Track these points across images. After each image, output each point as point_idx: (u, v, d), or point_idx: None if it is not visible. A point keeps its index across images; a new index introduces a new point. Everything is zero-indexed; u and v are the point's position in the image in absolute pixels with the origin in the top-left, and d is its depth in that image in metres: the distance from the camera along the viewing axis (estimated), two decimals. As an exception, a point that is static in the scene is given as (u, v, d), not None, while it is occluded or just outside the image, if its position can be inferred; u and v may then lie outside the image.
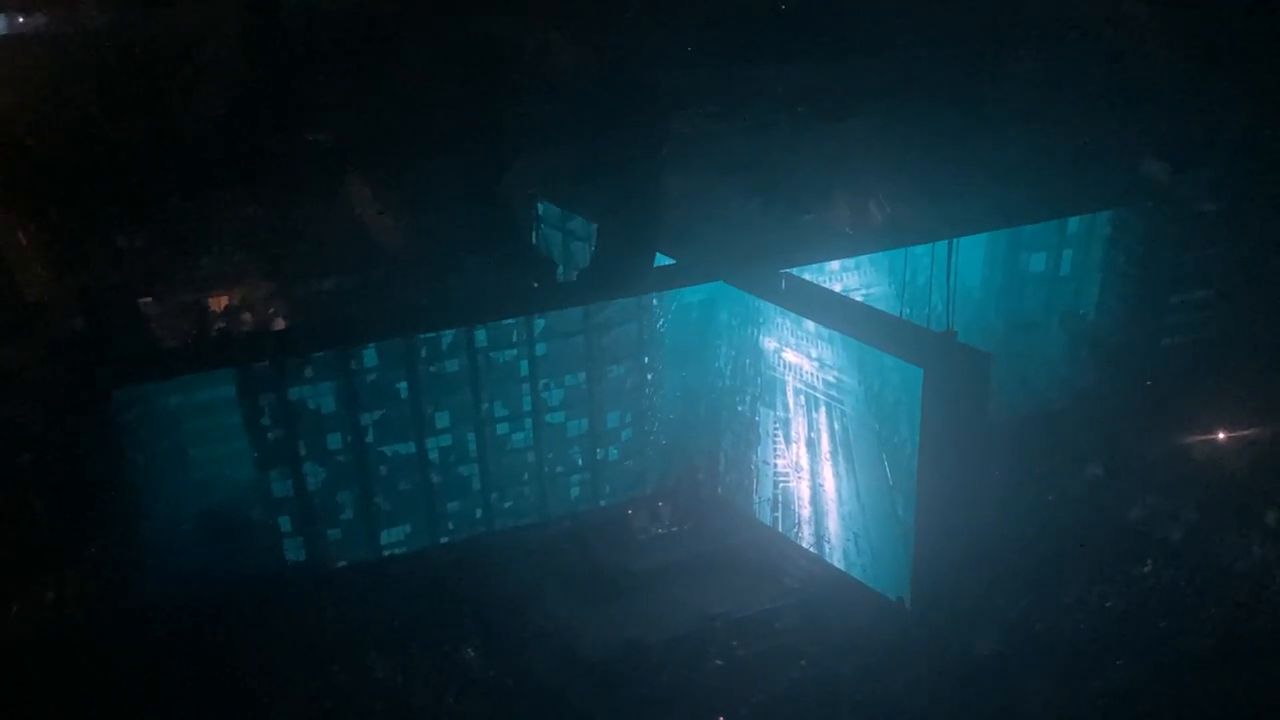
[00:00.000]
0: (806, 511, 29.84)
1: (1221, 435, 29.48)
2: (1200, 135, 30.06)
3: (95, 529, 25.34)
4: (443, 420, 29.26)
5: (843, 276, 31.03)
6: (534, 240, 31.28)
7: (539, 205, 31.31)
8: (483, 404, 29.49)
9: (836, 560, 29.03)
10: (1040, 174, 30.38)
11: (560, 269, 31.11)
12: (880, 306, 30.71)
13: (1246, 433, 29.33)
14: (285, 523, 28.48)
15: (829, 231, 28.44)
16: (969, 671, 24.25)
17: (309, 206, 27.48)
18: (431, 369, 28.55)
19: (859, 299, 30.30)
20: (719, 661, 25.60)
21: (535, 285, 29.69)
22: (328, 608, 27.49)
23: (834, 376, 28.05)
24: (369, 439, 28.67)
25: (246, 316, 28.03)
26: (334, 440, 28.35)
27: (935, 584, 25.55)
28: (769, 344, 29.79)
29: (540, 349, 29.43)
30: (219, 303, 27.69)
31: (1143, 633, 24.84)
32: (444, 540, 30.22)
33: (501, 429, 29.97)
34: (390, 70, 26.71)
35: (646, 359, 31.07)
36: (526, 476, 30.59)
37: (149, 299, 26.94)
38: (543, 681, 25.22)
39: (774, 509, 30.64)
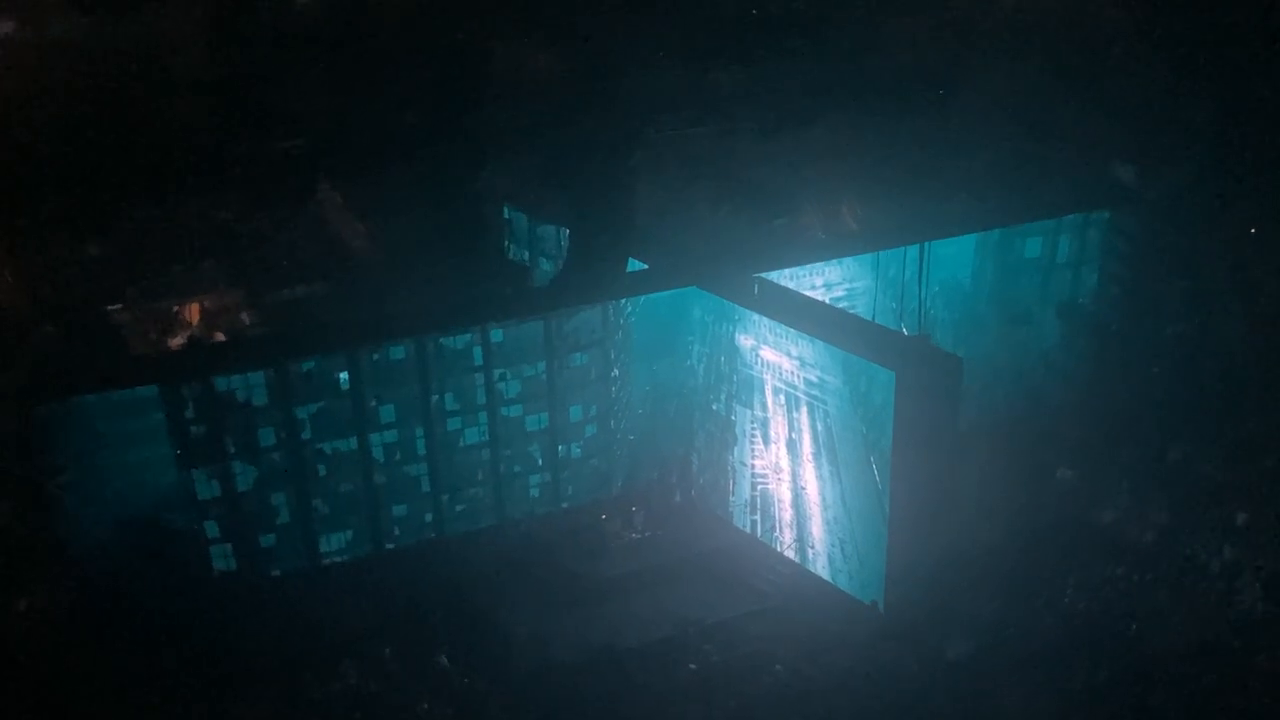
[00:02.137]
0: (788, 515, 28.85)
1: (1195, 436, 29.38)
2: (1173, 138, 30.21)
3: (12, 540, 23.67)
4: (388, 414, 27.32)
5: (824, 271, 30.36)
6: (506, 246, 30.05)
7: (511, 211, 30.01)
8: (432, 396, 27.48)
9: (821, 567, 27.98)
10: (1012, 178, 30.29)
11: (533, 274, 29.69)
12: (864, 302, 30.08)
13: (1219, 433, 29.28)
14: (212, 528, 26.41)
15: (801, 236, 28.30)
16: (943, 674, 24.33)
17: (279, 213, 26.92)
18: (375, 357, 26.70)
19: (842, 292, 29.82)
20: (693, 666, 25.44)
21: (508, 291, 28.57)
22: (271, 618, 25.72)
23: (816, 376, 27.53)
24: (305, 435, 26.63)
25: (216, 324, 26.55)
26: (266, 436, 26.36)
27: (909, 587, 25.55)
28: (745, 341, 29.08)
29: (496, 335, 27.54)
30: (188, 310, 26.41)
31: (1114, 635, 24.95)
32: (390, 547, 28.26)
33: (453, 424, 28.08)
34: (361, 77, 26.48)
35: (612, 348, 29.29)
36: (481, 476, 28.67)
37: (118, 306, 25.93)
38: (517, 688, 25.02)
39: (752, 512, 29.43)
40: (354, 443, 27.16)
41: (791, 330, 27.84)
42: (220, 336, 26.25)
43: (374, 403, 27.08)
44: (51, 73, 24.03)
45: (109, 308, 25.82)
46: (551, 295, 27.83)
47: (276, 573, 27.20)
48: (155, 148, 24.70)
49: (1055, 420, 29.71)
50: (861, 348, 25.69)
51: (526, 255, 30.13)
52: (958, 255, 31.45)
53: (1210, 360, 29.38)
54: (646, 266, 27.30)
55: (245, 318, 26.65)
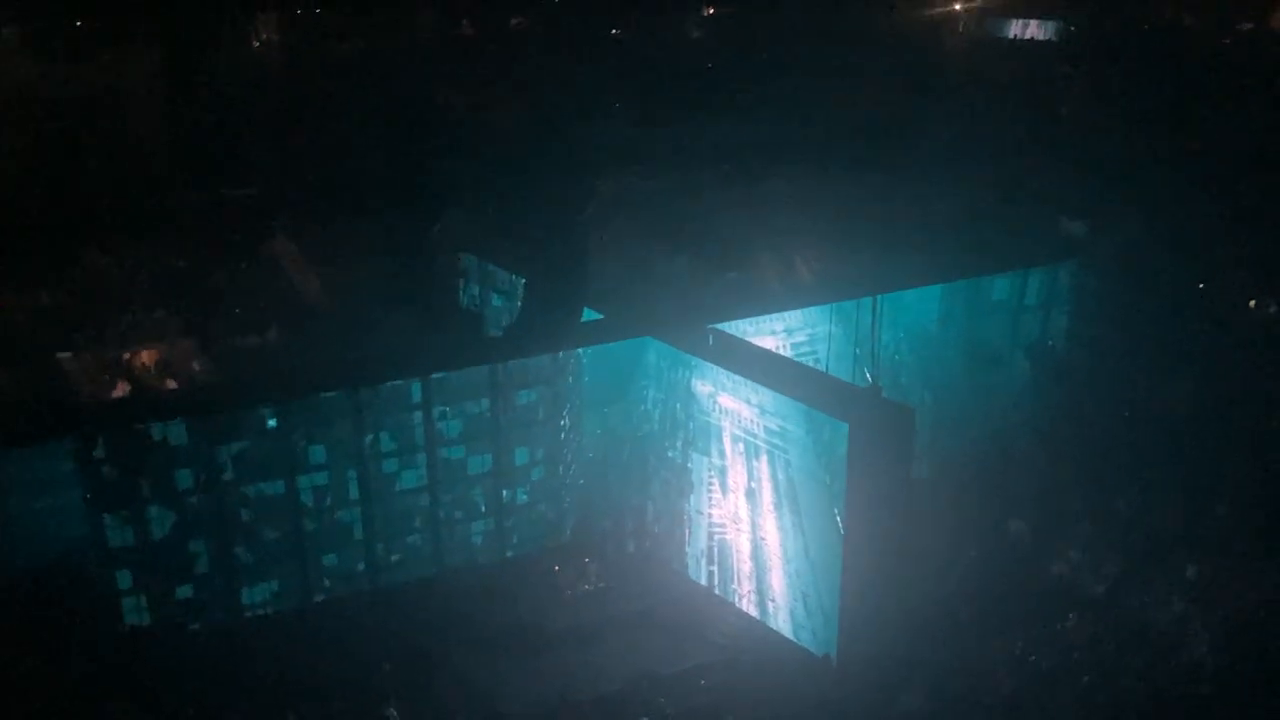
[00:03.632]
0: (747, 567, 27.89)
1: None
2: (1123, 194, 30.63)
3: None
4: (317, 455, 25.60)
5: (785, 316, 29.63)
6: (460, 296, 29.57)
7: (466, 261, 29.61)
8: (366, 436, 25.85)
9: (783, 621, 27.03)
10: (965, 232, 30.55)
11: (486, 324, 29.00)
12: (825, 347, 29.68)
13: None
14: (124, 578, 24.46)
15: (756, 288, 28.35)
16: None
17: (233, 262, 26.57)
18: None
19: (804, 337, 29.35)
20: (645, 719, 25.33)
21: (463, 339, 27.78)
22: (193, 675, 23.82)
23: (777, 424, 26.82)
24: (227, 477, 24.79)
25: (168, 371, 25.52)
26: (184, 478, 24.45)
27: (861, 639, 25.48)
28: (703, 388, 28.32)
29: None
30: (140, 358, 25.40)
31: (1066, 688, 24.94)
32: (319, 599, 26.23)
33: (389, 466, 26.42)
34: (316, 128, 26.51)
35: (563, 387, 27.95)
36: (419, 523, 27.03)
37: (67, 354, 25.05)
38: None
39: (709, 563, 28.47)
40: (281, 486, 25.54)
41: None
42: (172, 384, 25.50)
43: (303, 443, 25.50)
44: (6, 118, 23.92)
45: (59, 355, 25.02)
46: (507, 344, 27.27)
47: (195, 626, 25.29)
48: (110, 195, 24.56)
49: (1016, 467, 29.65)
50: (814, 399, 25.71)
51: (480, 304, 29.50)
52: (924, 297, 31.03)
53: (1163, 408, 29.58)
54: (601, 316, 27.32)
55: (197, 365, 25.73)
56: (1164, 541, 27.41)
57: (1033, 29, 34.40)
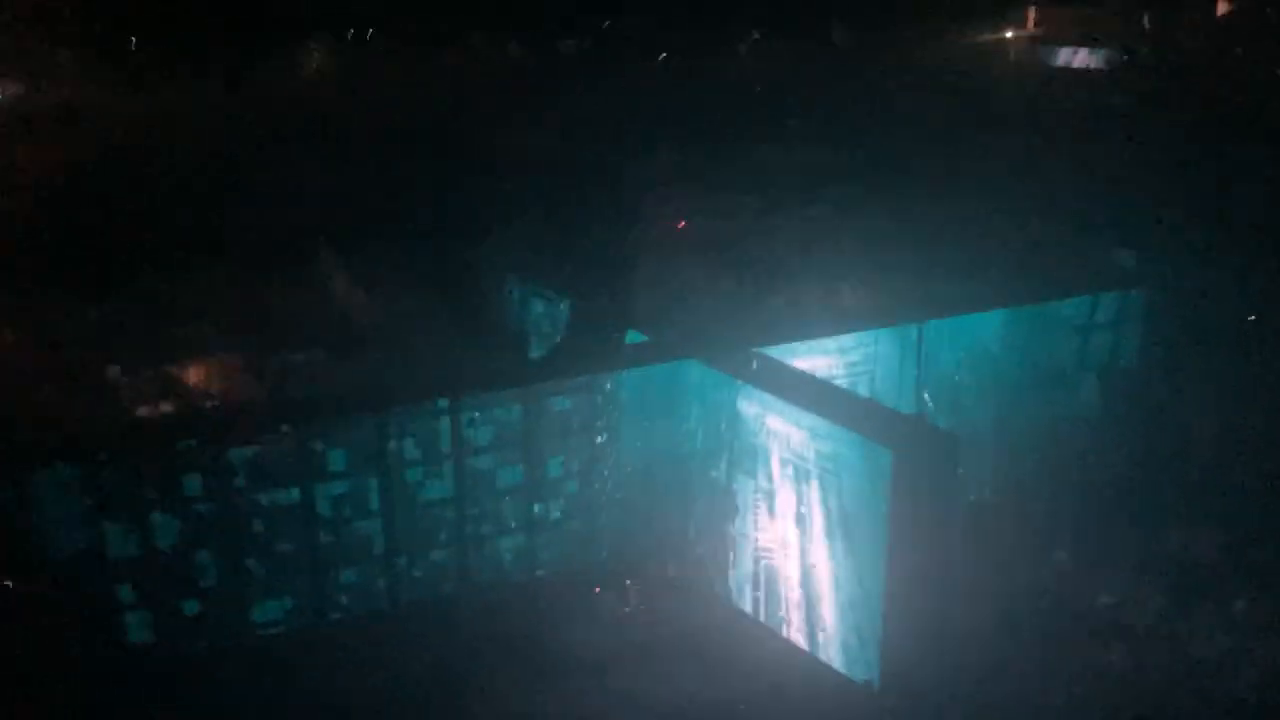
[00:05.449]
0: (795, 595, 26.59)
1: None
2: (1173, 222, 30.37)
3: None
4: (336, 461, 23.89)
5: (839, 336, 28.32)
6: (505, 317, 29.24)
7: (511, 282, 29.25)
8: (389, 442, 24.21)
9: (834, 653, 25.60)
10: (1014, 259, 30.45)
11: (532, 346, 28.69)
12: (883, 368, 28.97)
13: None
14: (126, 592, 22.88)
15: (801, 312, 28.28)
16: (936, 759, 23.99)
17: (279, 282, 26.83)
18: (322, 395, 23.09)
19: (859, 357, 28.55)
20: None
21: (507, 361, 27.54)
22: (205, 698, 22.23)
23: (829, 449, 25.43)
24: (239, 483, 23.17)
25: (215, 390, 25.30)
26: (192, 484, 22.85)
27: (903, 668, 25.24)
28: (749, 408, 27.08)
29: (465, 374, 24.17)
30: (188, 375, 25.25)
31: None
32: (336, 617, 24.52)
33: (412, 474, 24.74)
34: (364, 148, 26.88)
35: (600, 395, 26.49)
36: (444, 537, 25.34)
37: (116, 368, 24.83)
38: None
39: (754, 588, 27.22)
40: (296, 494, 23.78)
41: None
42: (218, 403, 25.01)
43: (320, 447, 23.75)
44: (58, 139, 24.39)
45: (108, 370, 24.80)
46: (550, 366, 26.54)
47: (202, 645, 23.61)
48: (159, 216, 25.00)
49: (1065, 495, 29.11)
50: (857, 423, 25.50)
51: (527, 326, 28.88)
52: (986, 315, 29.84)
53: (1222, 436, 29.17)
54: (645, 338, 27.24)
55: (244, 384, 25.27)
56: (1214, 574, 27.07)
57: (1083, 56, 34.31)
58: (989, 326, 30.36)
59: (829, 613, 26.33)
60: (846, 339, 28.77)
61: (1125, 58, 34.29)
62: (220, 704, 22.50)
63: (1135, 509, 28.54)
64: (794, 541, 27.03)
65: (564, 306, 28.14)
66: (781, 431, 27.18)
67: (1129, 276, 30.16)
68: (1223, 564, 27.22)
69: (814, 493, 26.68)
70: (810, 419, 26.39)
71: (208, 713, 22.38)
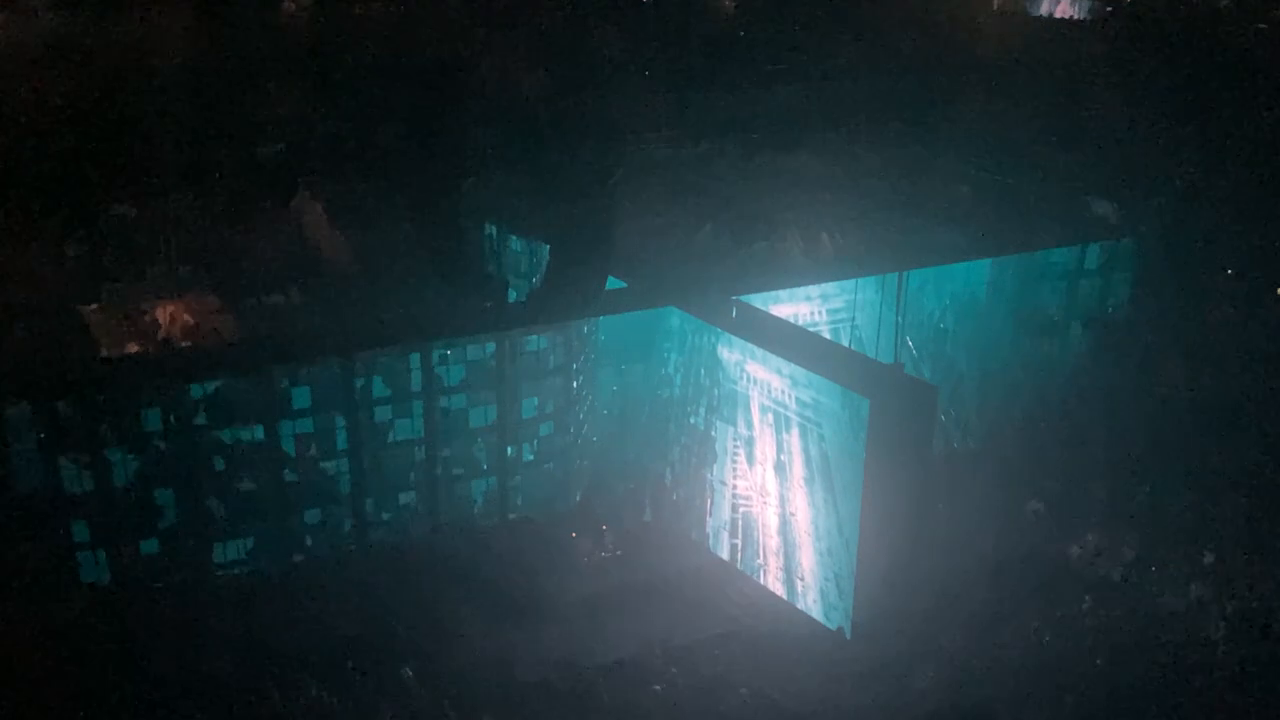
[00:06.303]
0: (774, 543, 26.59)
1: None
2: (1155, 174, 30.26)
3: None
4: (301, 398, 23.16)
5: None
6: (485, 260, 28.73)
7: (491, 226, 28.78)
8: (357, 379, 23.50)
9: (812, 601, 25.68)
10: (995, 209, 30.35)
11: (511, 290, 28.06)
12: (865, 314, 29.12)
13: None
14: (81, 530, 22.09)
15: (781, 260, 28.15)
16: (906, 703, 24.23)
17: (257, 219, 26.42)
18: (287, 328, 22.22)
19: (841, 304, 28.82)
20: (658, 688, 25.26)
21: (486, 305, 26.68)
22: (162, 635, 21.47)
23: (810, 397, 25.63)
24: (200, 420, 22.36)
25: (191, 329, 24.07)
26: (151, 419, 22.07)
27: (875, 615, 25.39)
28: (729, 355, 27.23)
29: (436, 308, 23.32)
30: (163, 314, 24.07)
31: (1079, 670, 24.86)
32: (298, 559, 23.73)
33: (381, 414, 24.08)
34: (343, 87, 26.40)
35: (575, 336, 25.89)
36: (413, 478, 24.66)
37: (93, 307, 23.85)
38: (478, 705, 24.39)
39: (732, 535, 27.18)
40: (259, 431, 23.03)
41: (777, 348, 26.95)
42: (193, 342, 24.11)
43: (285, 383, 23.00)
44: (32, 71, 23.91)
45: (82, 309, 23.91)
46: (528, 311, 26.26)
47: (159, 585, 22.81)
48: (135, 150, 24.51)
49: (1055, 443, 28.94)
50: (835, 373, 25.50)
51: (506, 270, 28.52)
52: (973, 263, 29.85)
53: (1202, 392, 29.22)
54: (625, 285, 27.06)
55: (220, 323, 24.24)
56: (1185, 528, 27.30)
57: (1065, 5, 34.05)
58: (976, 272, 30.36)
59: (808, 561, 26.34)
60: (829, 285, 28.66)
61: (1109, 8, 34.21)
62: (180, 645, 21.80)
63: (1113, 459, 28.69)
64: (773, 489, 27.04)
65: (542, 250, 27.74)
66: (762, 378, 26.93)
67: (1113, 226, 30.11)
68: (1193, 516, 27.49)
69: (794, 440, 26.57)
70: (792, 367, 26.31)
71: (167, 653, 21.63)
